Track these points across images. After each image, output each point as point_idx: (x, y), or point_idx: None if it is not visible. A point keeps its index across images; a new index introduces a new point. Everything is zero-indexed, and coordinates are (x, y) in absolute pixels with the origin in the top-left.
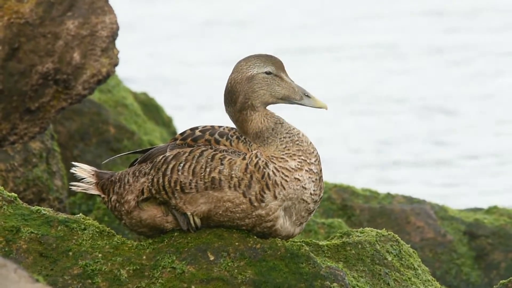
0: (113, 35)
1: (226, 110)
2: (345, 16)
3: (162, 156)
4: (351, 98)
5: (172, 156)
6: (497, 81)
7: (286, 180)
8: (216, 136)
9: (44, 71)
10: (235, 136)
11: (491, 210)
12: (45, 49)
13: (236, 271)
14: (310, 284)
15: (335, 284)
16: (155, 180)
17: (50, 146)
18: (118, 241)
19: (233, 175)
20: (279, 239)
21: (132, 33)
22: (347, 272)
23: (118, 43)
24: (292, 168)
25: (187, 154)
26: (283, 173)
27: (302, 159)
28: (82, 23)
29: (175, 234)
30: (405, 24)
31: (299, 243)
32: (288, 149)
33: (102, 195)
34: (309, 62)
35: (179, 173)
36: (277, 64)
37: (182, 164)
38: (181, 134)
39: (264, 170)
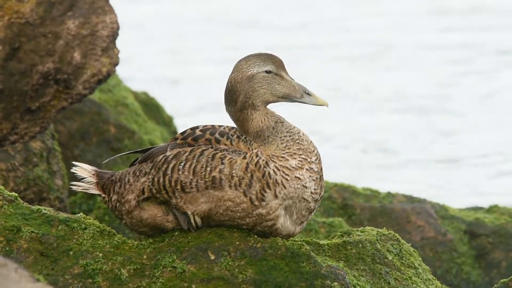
0: (114, 34)
1: (226, 109)
2: (344, 15)
3: (162, 155)
4: (350, 97)
5: (172, 155)
6: (497, 80)
7: (286, 179)
8: (217, 135)
9: (45, 70)
10: (235, 135)
11: (492, 209)
12: (45, 49)
13: (236, 270)
14: (311, 283)
15: (335, 283)
16: (156, 179)
17: (50, 146)
18: (119, 240)
19: (234, 174)
20: (280, 238)
21: (132, 33)
22: (347, 271)
23: (119, 42)
24: (293, 167)
25: (187, 153)
26: (283, 172)
27: (302, 158)
28: (82, 22)
29: (176, 233)
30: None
31: (299, 242)
32: (289, 148)
33: (103, 195)
34: (308, 61)
35: (180, 172)
36: (277, 62)
37: (182, 164)
38: (182, 133)
39: (265, 169)
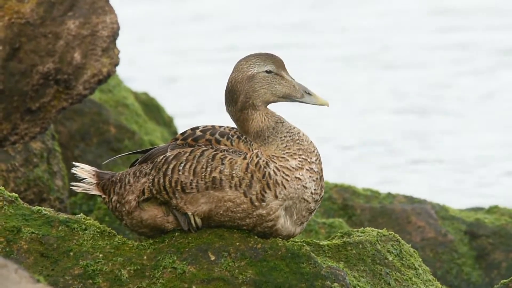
0: (114, 35)
1: (226, 109)
2: (344, 15)
3: (162, 156)
4: (350, 96)
5: (172, 156)
6: (497, 80)
7: (287, 180)
8: (217, 136)
9: (45, 71)
10: (235, 136)
11: (492, 210)
12: (46, 49)
13: (237, 271)
14: (311, 284)
15: (336, 284)
16: (156, 180)
17: (51, 146)
18: (119, 241)
19: (234, 175)
20: (280, 239)
21: (132, 33)
22: (348, 272)
23: (119, 42)
24: (293, 167)
25: (187, 154)
26: (284, 172)
27: (302, 158)
28: (83, 23)
29: (176, 234)
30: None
31: (300, 243)
32: (289, 148)
33: (103, 196)
34: (308, 61)
35: (180, 173)
36: (278, 62)
37: (183, 164)
38: (182, 134)
39: (265, 169)
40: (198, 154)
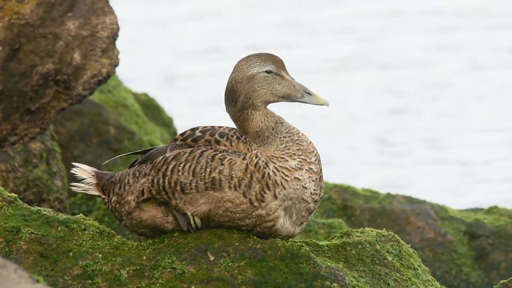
0: (114, 35)
1: (226, 109)
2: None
3: (162, 156)
4: (349, 96)
5: (172, 156)
6: (497, 80)
7: (286, 180)
8: (216, 136)
9: (45, 71)
10: (235, 136)
11: (491, 210)
12: (45, 50)
13: (236, 271)
14: (310, 284)
15: (335, 284)
16: (155, 180)
17: (50, 147)
18: (118, 241)
19: (233, 175)
20: (279, 239)
21: (133, 33)
22: (347, 272)
23: (118, 43)
24: (292, 168)
25: (187, 154)
26: (283, 172)
27: (302, 158)
28: (82, 23)
29: (175, 234)
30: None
31: (299, 243)
32: (288, 149)
33: (102, 196)
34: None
35: (179, 173)
36: (278, 62)
37: (182, 165)
38: (181, 134)
39: (264, 170)
40: (198, 154)
